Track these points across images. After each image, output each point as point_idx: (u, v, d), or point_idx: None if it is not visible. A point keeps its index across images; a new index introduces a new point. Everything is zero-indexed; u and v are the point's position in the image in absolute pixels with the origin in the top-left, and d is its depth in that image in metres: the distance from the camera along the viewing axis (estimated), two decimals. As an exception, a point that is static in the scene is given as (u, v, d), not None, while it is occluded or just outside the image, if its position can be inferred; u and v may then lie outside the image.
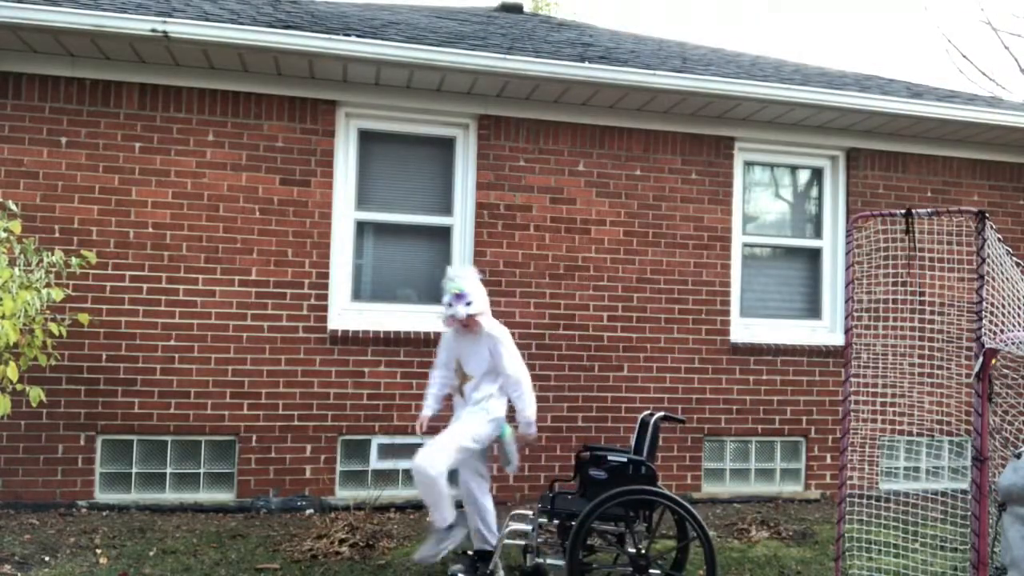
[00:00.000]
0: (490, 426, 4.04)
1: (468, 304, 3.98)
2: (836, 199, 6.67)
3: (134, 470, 5.38)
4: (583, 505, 3.71)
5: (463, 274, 4.12)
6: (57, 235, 5.27)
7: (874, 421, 5.83)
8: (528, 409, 4.05)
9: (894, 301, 6.01)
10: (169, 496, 5.41)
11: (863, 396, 5.20)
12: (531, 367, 5.83)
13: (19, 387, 4.09)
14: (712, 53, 7.56)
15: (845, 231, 6.42)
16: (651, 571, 3.74)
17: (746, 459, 6.37)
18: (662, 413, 4.08)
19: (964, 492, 5.41)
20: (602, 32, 8.13)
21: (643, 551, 3.72)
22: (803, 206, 6.84)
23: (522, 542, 3.99)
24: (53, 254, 4.47)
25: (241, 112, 5.56)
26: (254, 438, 5.49)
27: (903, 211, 3.80)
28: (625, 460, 3.79)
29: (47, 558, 4.30)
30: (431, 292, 5.98)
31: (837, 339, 6.49)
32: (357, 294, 5.87)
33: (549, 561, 3.86)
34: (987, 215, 3.56)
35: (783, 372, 6.37)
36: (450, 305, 4.00)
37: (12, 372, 3.85)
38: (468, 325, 4.07)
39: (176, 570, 4.23)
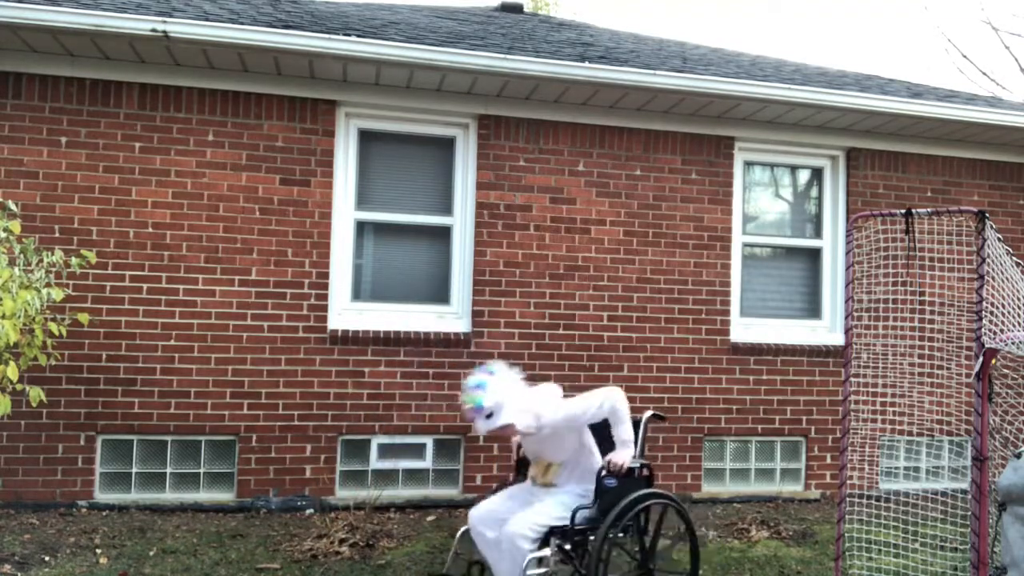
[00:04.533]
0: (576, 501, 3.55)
1: (489, 417, 3.38)
2: (836, 199, 6.67)
3: (134, 470, 5.38)
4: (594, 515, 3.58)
5: (481, 383, 3.40)
6: (57, 235, 5.26)
7: (874, 421, 5.83)
8: (620, 428, 3.58)
9: (894, 301, 6.01)
10: (169, 496, 5.41)
11: (863, 396, 5.20)
12: (531, 367, 5.86)
13: (19, 387, 4.08)
14: (712, 53, 7.56)
15: (845, 231, 6.42)
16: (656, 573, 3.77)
17: (746, 459, 6.37)
18: (651, 412, 4.03)
19: (964, 492, 5.41)
20: (602, 32, 8.13)
21: (650, 554, 3.74)
22: (803, 206, 6.83)
23: (540, 570, 3.49)
24: (53, 254, 4.46)
25: (241, 112, 5.56)
26: (254, 438, 5.49)
27: (903, 211, 3.80)
28: (638, 464, 3.73)
29: (47, 558, 4.30)
30: (431, 292, 5.98)
31: (837, 339, 6.49)
32: (357, 294, 5.87)
33: None
34: (987, 215, 3.56)
35: (783, 372, 6.37)
36: (473, 420, 3.45)
37: (12, 372, 3.84)
38: (509, 435, 3.62)
39: (176, 570, 4.23)
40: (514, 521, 3.47)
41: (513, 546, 3.41)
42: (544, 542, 3.48)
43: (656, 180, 6.21)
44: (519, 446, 4.04)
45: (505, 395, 3.40)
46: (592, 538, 3.51)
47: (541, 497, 3.66)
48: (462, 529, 3.78)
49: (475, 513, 3.69)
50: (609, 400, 3.54)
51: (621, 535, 3.60)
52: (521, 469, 4.03)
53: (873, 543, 4.75)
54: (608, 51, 6.52)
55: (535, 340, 5.91)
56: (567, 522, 3.48)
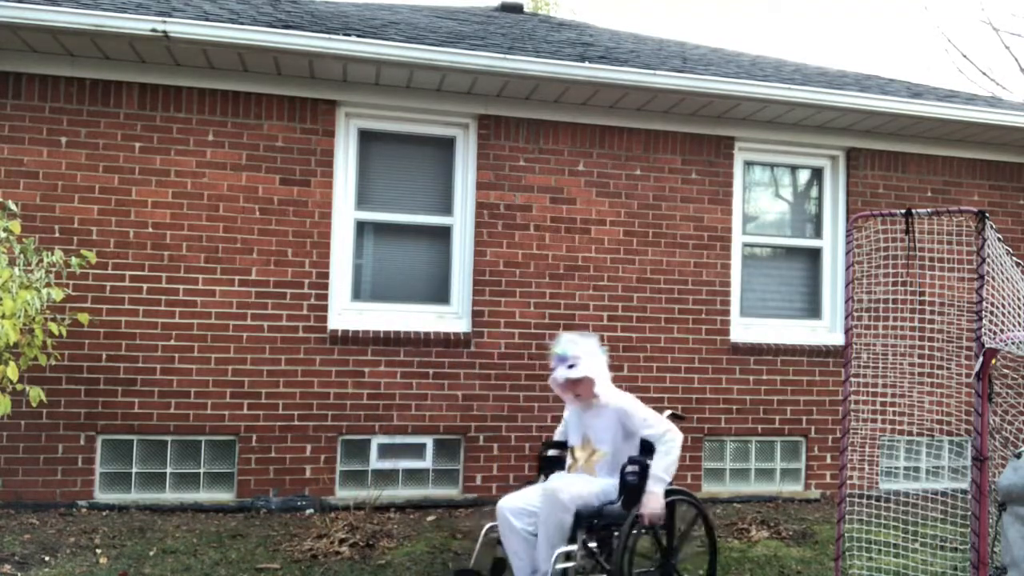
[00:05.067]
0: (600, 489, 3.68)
1: (571, 367, 3.68)
2: (836, 199, 6.67)
3: (134, 470, 5.38)
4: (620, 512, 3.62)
5: (573, 339, 3.80)
6: (57, 235, 5.26)
7: (874, 421, 5.82)
8: (662, 462, 3.60)
9: (894, 301, 6.01)
10: (169, 496, 5.41)
11: (863, 396, 5.19)
12: (531, 367, 5.87)
13: (19, 387, 4.08)
14: (712, 53, 7.56)
15: (845, 231, 6.42)
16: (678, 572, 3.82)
17: (746, 459, 6.37)
18: (669, 412, 4.06)
19: (964, 492, 5.40)
20: (602, 32, 8.13)
21: (675, 553, 3.78)
22: (803, 206, 6.83)
23: (567, 564, 3.55)
24: (53, 254, 4.46)
25: (241, 112, 5.55)
26: (254, 438, 5.49)
27: (903, 211, 3.79)
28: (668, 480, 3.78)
29: (47, 558, 4.30)
30: (431, 292, 5.98)
31: (837, 339, 6.49)
32: (357, 294, 5.87)
33: None
34: (987, 215, 3.56)
35: (783, 372, 6.37)
36: (553, 369, 3.74)
37: (12, 372, 3.84)
38: (580, 394, 3.80)
39: (176, 570, 4.23)
40: (556, 484, 3.58)
41: (555, 499, 3.50)
42: (571, 539, 3.55)
43: (656, 180, 6.21)
44: (546, 443, 4.11)
45: (591, 353, 3.75)
46: (616, 534, 3.56)
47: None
48: (487, 525, 3.80)
49: (505, 504, 3.72)
50: (673, 437, 3.65)
51: (644, 531, 3.63)
52: (544, 468, 4.05)
53: (873, 543, 4.75)
54: (608, 51, 6.52)
55: (535, 340, 5.91)
56: (599, 502, 3.60)
